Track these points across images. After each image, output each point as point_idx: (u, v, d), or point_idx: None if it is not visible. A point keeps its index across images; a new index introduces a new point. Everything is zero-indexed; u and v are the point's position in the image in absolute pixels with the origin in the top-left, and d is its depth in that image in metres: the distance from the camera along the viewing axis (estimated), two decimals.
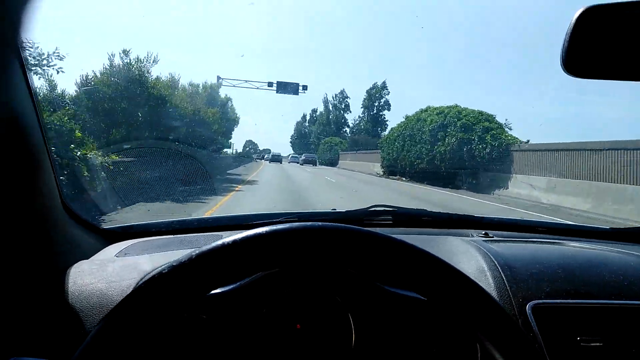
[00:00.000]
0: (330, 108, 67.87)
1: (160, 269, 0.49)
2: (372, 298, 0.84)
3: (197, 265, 0.48)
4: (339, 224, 0.52)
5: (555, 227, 1.51)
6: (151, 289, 0.48)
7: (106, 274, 0.91)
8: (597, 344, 0.81)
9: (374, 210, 1.39)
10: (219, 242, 0.49)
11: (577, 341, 0.81)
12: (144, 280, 0.54)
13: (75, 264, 0.95)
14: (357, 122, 62.52)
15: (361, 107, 62.46)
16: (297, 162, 44.47)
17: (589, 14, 0.68)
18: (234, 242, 0.49)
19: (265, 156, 60.99)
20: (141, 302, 0.48)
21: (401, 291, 0.84)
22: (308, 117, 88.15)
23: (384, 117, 63.01)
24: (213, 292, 0.80)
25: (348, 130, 65.14)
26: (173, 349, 0.80)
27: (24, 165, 0.78)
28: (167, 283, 0.48)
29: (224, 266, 0.49)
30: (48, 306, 0.82)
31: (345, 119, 66.66)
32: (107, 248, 1.15)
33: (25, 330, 0.78)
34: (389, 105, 62.58)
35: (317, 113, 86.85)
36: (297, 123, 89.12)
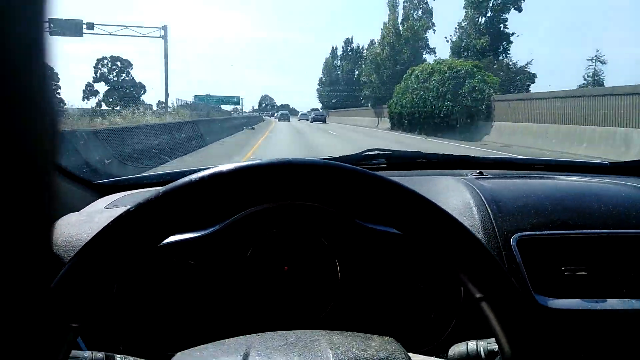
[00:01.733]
0: (400, 16, 36.79)
1: (127, 207, 0.50)
2: (356, 237, 0.87)
3: (165, 202, 0.49)
4: (307, 159, 0.52)
5: (552, 163, 1.54)
6: (117, 227, 0.50)
7: (92, 224, 0.96)
8: (582, 272, 0.83)
9: (368, 154, 1.43)
10: (186, 178, 0.50)
11: (562, 271, 0.83)
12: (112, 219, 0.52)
13: (64, 217, 1.00)
14: (458, 35, 32.08)
15: (464, 8, 32.22)
16: (307, 120, 45.90)
17: None
18: (201, 178, 0.50)
19: (275, 114, 61.28)
20: (108, 240, 0.49)
21: (380, 227, 0.86)
22: (340, 52, 58.39)
23: (506, 26, 32.95)
24: (199, 235, 0.86)
25: (430, 58, 35.36)
26: (164, 296, 0.85)
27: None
28: (133, 220, 0.49)
29: (193, 204, 0.50)
30: (35, 258, 0.80)
31: (426, 38, 36.33)
32: (97, 201, 1.21)
33: (13, 283, 0.73)
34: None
35: (354, 44, 56.93)
36: (326, 61, 59.40)
